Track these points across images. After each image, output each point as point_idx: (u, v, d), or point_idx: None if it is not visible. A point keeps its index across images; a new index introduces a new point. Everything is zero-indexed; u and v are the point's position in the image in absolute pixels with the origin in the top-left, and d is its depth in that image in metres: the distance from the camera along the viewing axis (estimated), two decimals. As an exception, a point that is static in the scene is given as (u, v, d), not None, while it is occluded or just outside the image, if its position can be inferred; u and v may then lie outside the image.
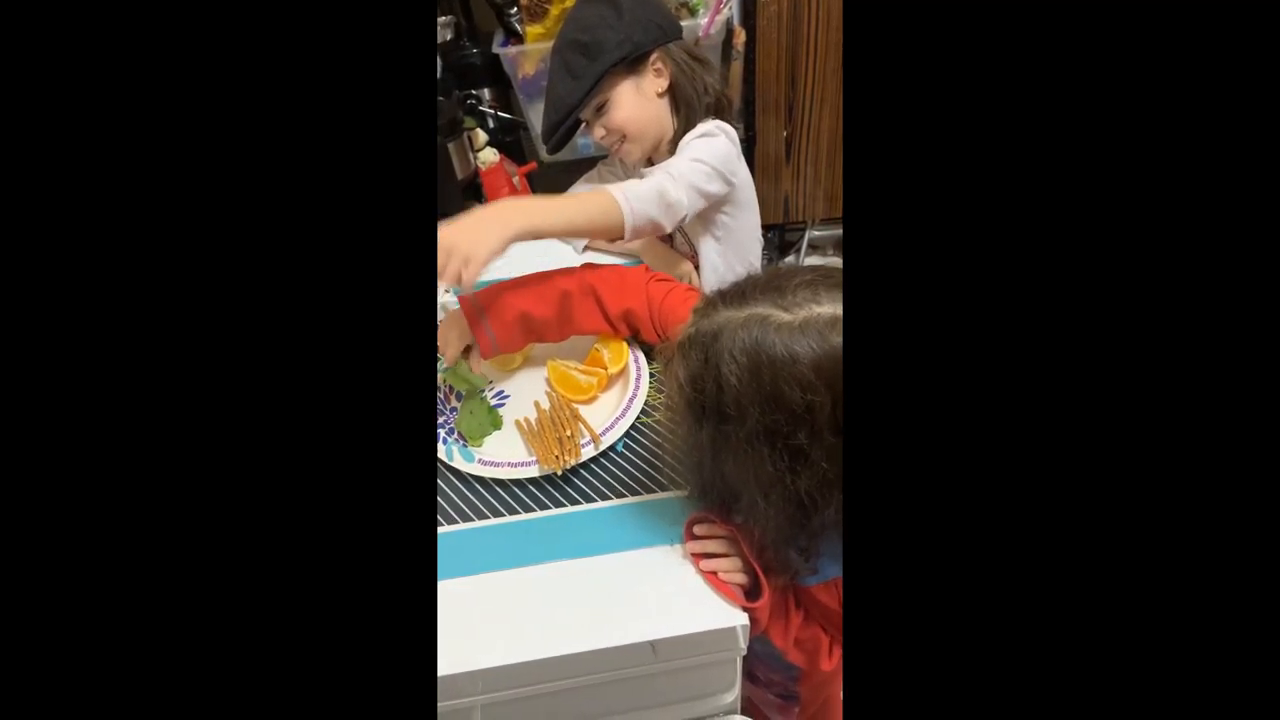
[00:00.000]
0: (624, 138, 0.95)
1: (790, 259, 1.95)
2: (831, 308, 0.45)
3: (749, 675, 0.82)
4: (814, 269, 0.50)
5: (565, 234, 0.78)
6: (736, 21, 1.54)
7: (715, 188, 0.90)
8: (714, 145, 0.90)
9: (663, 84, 0.94)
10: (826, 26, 1.55)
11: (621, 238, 0.78)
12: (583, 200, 0.77)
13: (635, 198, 0.77)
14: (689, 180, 0.84)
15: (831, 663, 0.66)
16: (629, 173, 1.09)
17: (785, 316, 0.46)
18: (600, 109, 0.93)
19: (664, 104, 0.96)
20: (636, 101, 0.93)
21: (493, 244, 0.67)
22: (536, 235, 0.71)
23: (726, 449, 0.50)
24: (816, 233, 1.89)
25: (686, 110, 0.96)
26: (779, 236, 2.01)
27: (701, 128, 0.93)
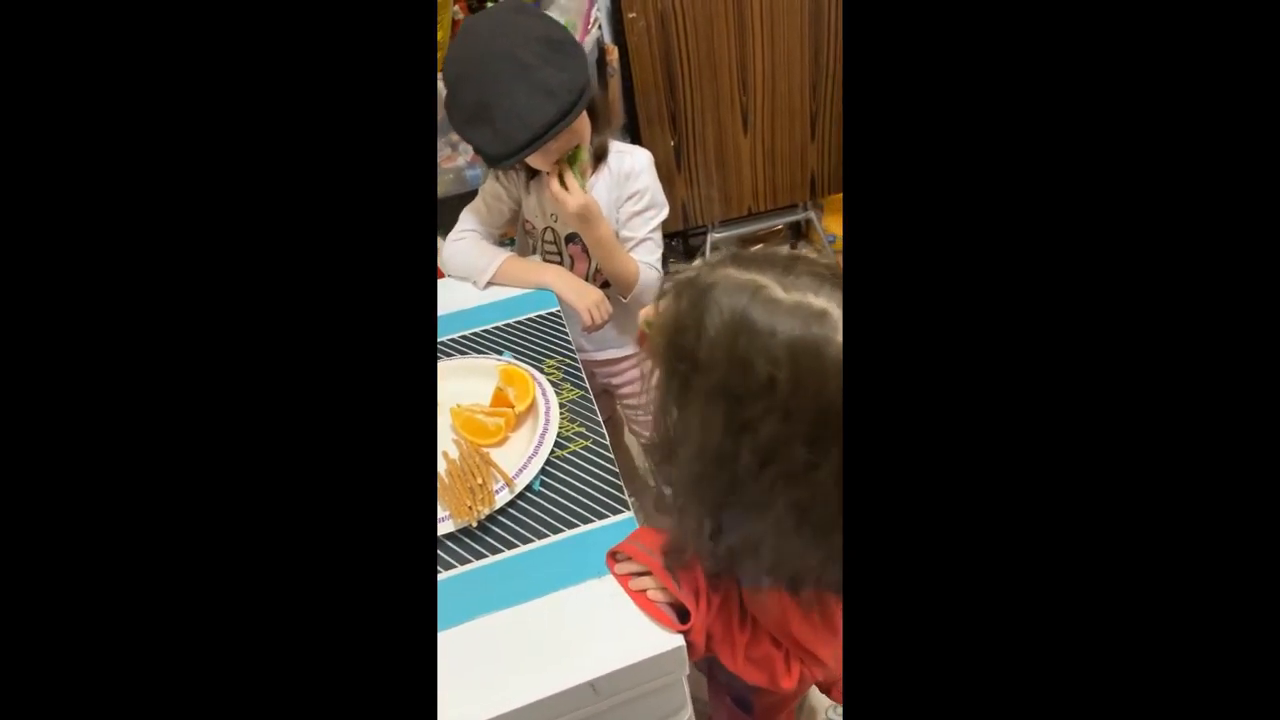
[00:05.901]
0: (573, 136, 0.94)
1: (698, 262, 1.97)
2: (825, 303, 0.47)
3: (710, 674, 0.81)
4: (829, 266, 0.51)
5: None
6: (607, 40, 1.55)
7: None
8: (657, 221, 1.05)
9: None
10: (695, 36, 1.58)
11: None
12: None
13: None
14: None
15: (791, 680, 0.63)
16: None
17: (780, 294, 0.48)
18: None
19: (587, 121, 0.97)
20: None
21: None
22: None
23: (687, 395, 0.52)
24: (718, 234, 1.92)
25: (598, 131, 0.99)
26: (683, 243, 2.04)
27: (651, 216, 1.05)
